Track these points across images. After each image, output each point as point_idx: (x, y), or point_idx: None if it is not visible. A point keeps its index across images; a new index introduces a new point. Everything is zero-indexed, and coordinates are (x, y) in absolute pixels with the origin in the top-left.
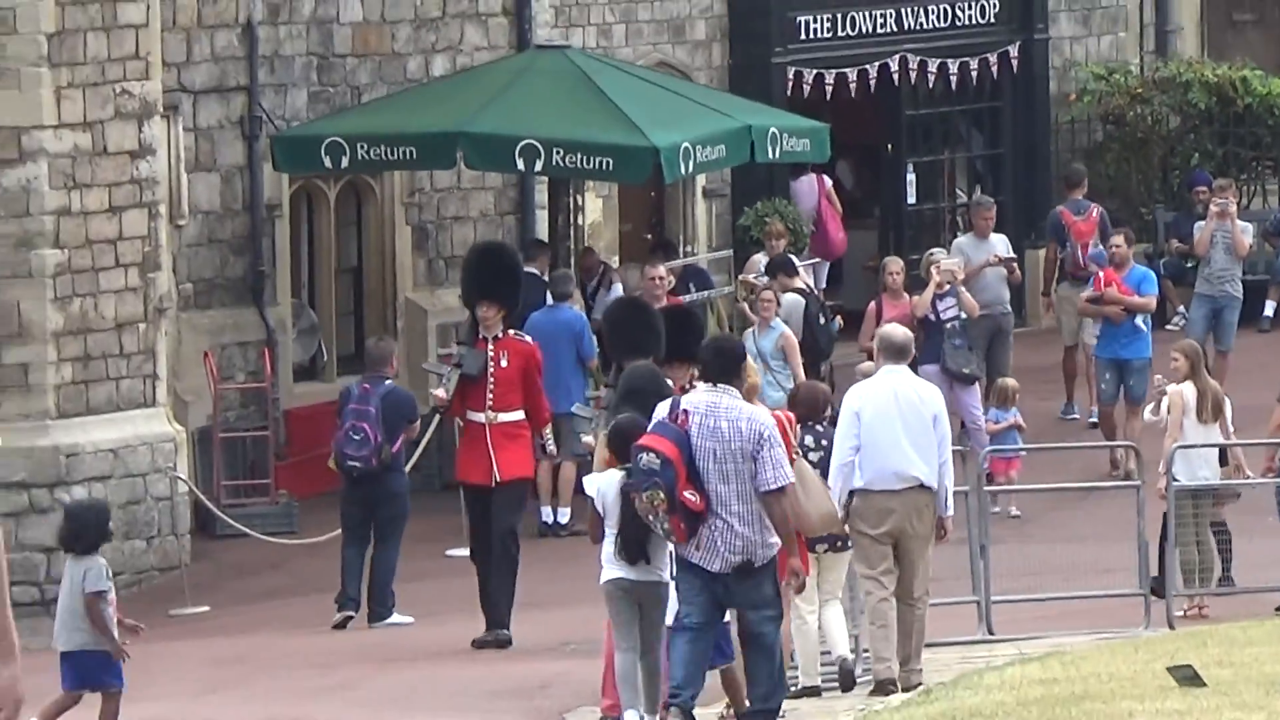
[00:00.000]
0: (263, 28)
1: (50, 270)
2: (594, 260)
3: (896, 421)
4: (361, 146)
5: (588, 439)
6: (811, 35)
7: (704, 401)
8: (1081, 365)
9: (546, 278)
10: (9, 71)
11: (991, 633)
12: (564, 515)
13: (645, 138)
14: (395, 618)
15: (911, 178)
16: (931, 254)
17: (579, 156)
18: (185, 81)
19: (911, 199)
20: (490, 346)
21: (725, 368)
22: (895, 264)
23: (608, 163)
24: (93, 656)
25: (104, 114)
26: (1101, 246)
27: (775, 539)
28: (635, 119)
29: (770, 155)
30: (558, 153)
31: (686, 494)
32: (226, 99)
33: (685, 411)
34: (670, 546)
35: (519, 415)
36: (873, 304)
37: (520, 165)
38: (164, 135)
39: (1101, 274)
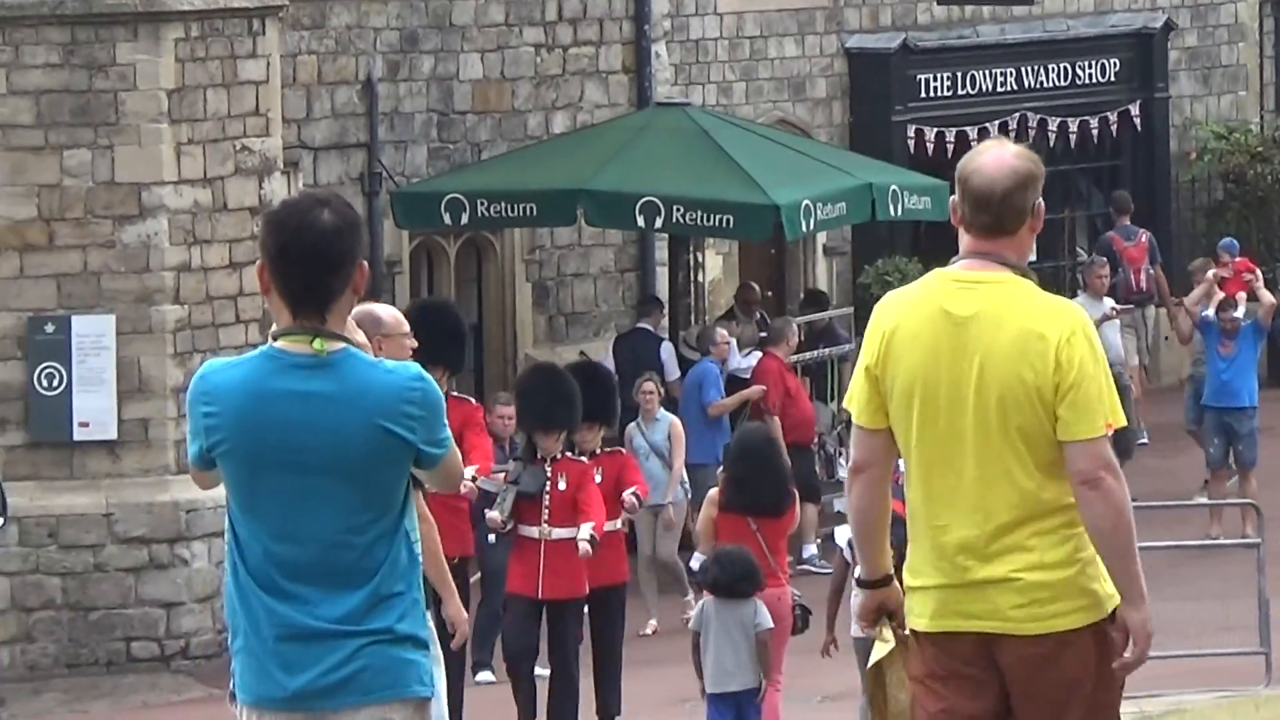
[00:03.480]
0: (383, 84)
1: (170, 326)
2: (753, 295)
3: None
4: (481, 203)
5: (493, 514)
6: (932, 94)
7: None
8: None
9: (657, 332)
10: (129, 128)
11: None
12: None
13: (766, 195)
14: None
15: None
16: None
17: (699, 214)
18: (305, 138)
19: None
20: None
21: None
22: None
23: (728, 220)
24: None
25: (224, 170)
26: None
27: None
28: (756, 176)
29: (891, 213)
30: (678, 210)
31: None
32: (346, 155)
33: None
34: None
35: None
36: None
37: (640, 222)
38: (284, 191)
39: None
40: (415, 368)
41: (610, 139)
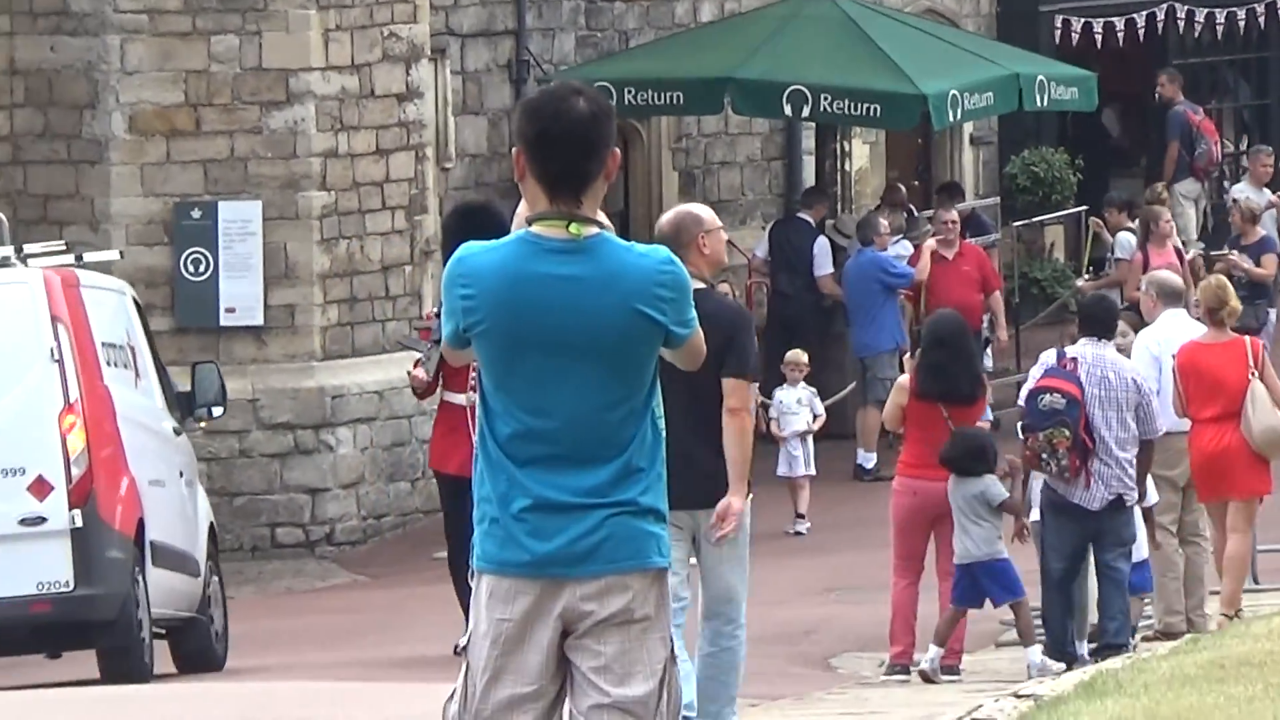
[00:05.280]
0: None
1: (317, 212)
2: (900, 196)
3: None
4: (629, 91)
5: (417, 372)
6: None
7: (1090, 353)
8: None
9: (815, 224)
10: (277, 14)
11: (1257, 582)
12: (869, 460)
13: (913, 85)
14: None
15: None
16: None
17: (846, 103)
18: (453, 25)
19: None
20: None
21: (1107, 324)
22: (1164, 213)
23: (875, 109)
24: (994, 566)
25: (371, 57)
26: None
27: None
28: (903, 66)
29: (1038, 103)
30: (825, 99)
31: (1084, 433)
32: (494, 43)
33: (1074, 360)
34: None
35: None
36: (1138, 253)
37: (788, 111)
38: (431, 78)
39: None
40: (665, 251)
41: (758, 28)
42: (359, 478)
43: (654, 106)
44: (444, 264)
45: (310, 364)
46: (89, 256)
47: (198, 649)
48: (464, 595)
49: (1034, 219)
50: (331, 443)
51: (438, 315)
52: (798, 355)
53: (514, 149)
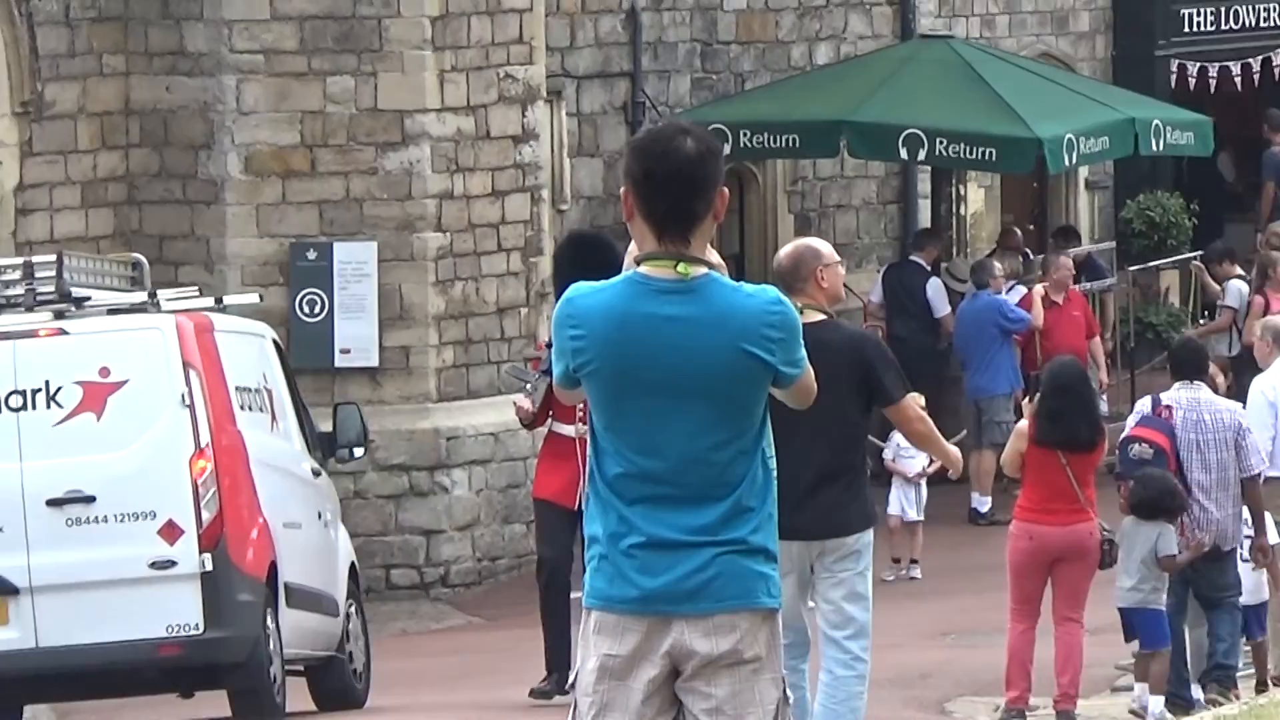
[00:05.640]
0: (646, 14)
1: (432, 254)
2: (1015, 240)
3: None
4: (744, 133)
5: (522, 401)
6: (1195, 28)
7: (1184, 397)
8: None
9: (929, 267)
10: (393, 55)
11: None
12: (984, 504)
13: (1029, 129)
14: None
15: None
16: None
17: (962, 146)
18: (569, 66)
19: None
20: None
21: (1198, 366)
22: None
23: (991, 153)
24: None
25: (487, 98)
26: None
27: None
28: (1019, 109)
29: (1154, 148)
30: (941, 142)
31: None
32: (610, 85)
33: (1168, 407)
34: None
35: None
36: (1257, 298)
37: (904, 154)
38: (547, 120)
39: None
40: (774, 291)
41: (874, 70)
42: (474, 520)
43: (769, 149)
44: (556, 295)
45: (425, 405)
46: (229, 299)
47: (337, 687)
48: (552, 627)
49: (1149, 264)
50: (446, 484)
51: (549, 346)
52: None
53: (622, 189)
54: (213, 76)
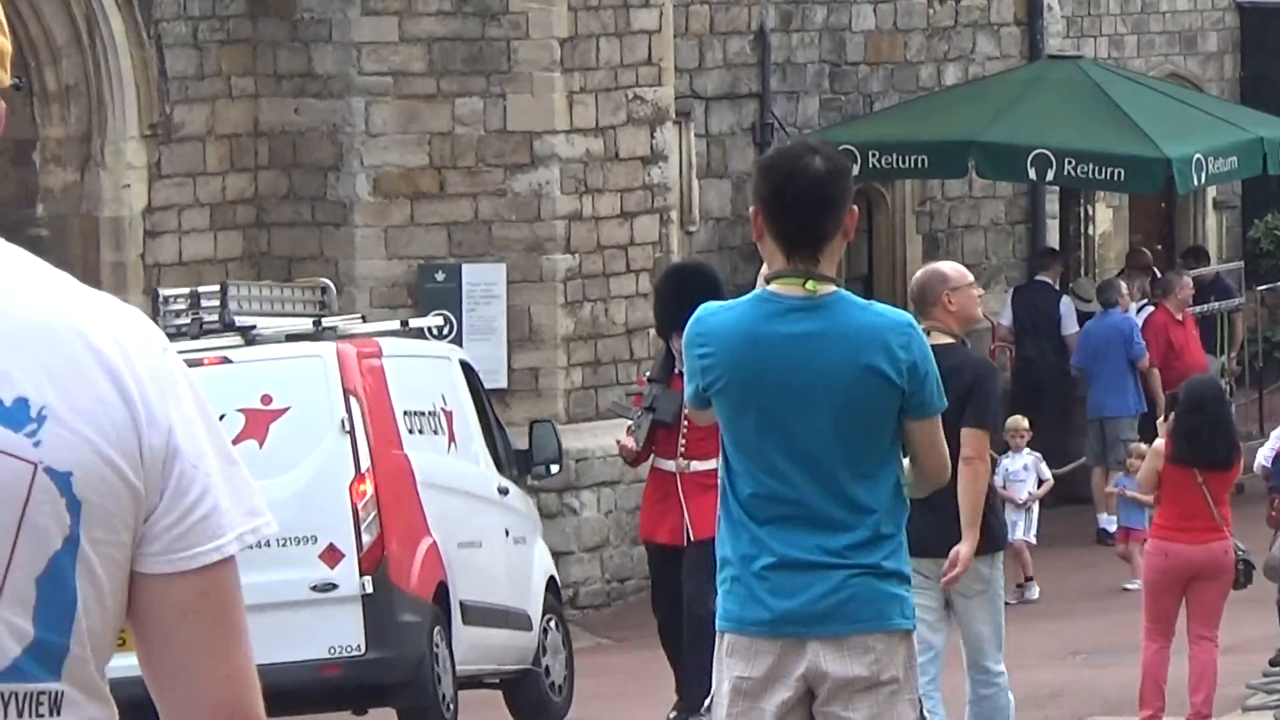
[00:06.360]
0: (775, 35)
1: (561, 275)
2: (1145, 259)
3: None
4: (873, 154)
5: (626, 441)
6: None
7: None
8: None
9: (1056, 285)
10: (521, 76)
11: None
12: (1111, 523)
13: (1158, 149)
14: None
15: None
16: None
17: (1091, 167)
18: (697, 88)
19: None
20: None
21: None
22: None
23: (1120, 173)
24: None
25: (616, 119)
26: None
27: None
28: (1147, 130)
29: None
30: (1069, 163)
31: None
32: (738, 106)
33: None
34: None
35: (713, 464)
36: None
37: (1032, 175)
38: (675, 141)
39: None
40: (907, 315)
41: (1002, 91)
42: (603, 541)
43: (898, 170)
44: (659, 329)
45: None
46: (414, 323)
47: (534, 700)
48: (679, 666)
49: (1277, 283)
50: (575, 506)
51: (650, 381)
52: (1018, 422)
53: (751, 209)
54: (341, 99)
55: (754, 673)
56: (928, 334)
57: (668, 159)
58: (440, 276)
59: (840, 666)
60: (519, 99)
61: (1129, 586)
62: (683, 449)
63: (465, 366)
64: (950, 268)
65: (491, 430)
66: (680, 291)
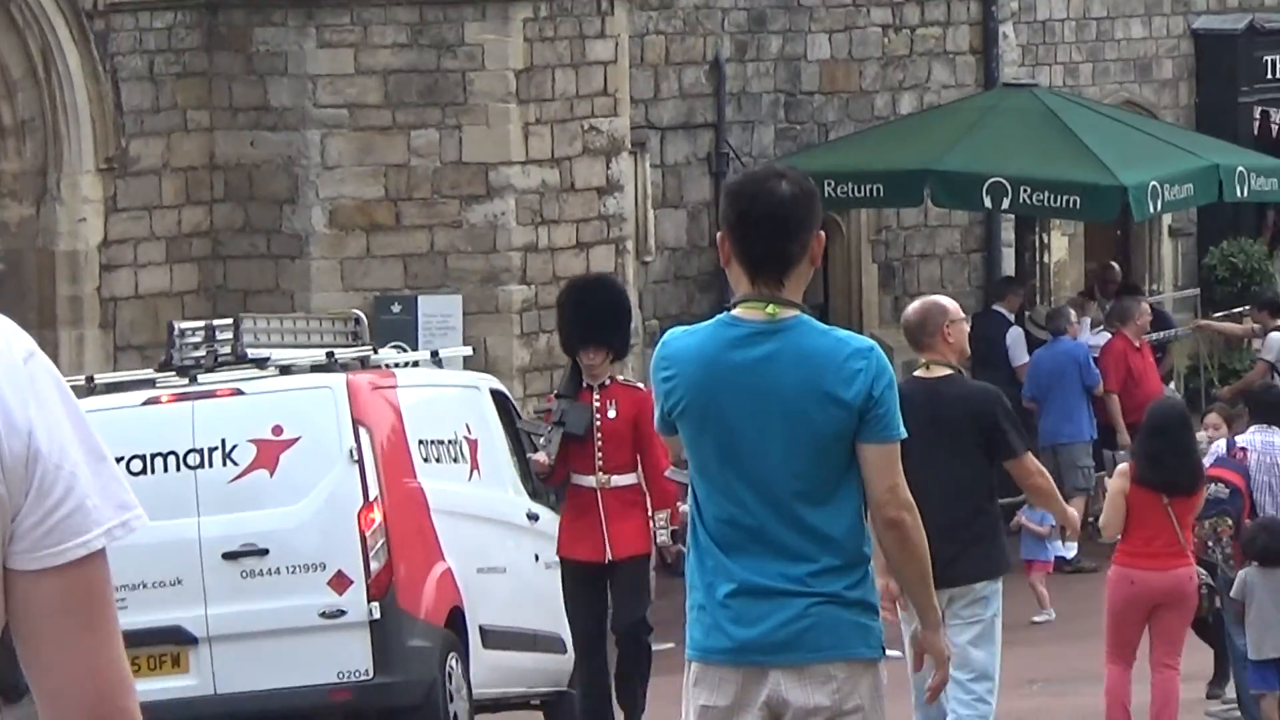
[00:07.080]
0: (730, 65)
1: (517, 306)
2: (1114, 276)
3: None
4: (829, 183)
5: (538, 456)
6: (1277, 75)
7: (1259, 440)
8: None
9: (1012, 315)
10: (477, 108)
11: None
12: (1070, 550)
13: (1114, 176)
14: None
15: None
16: None
17: (1046, 195)
18: (653, 118)
19: None
20: (596, 396)
21: (1277, 409)
22: None
23: (1075, 201)
24: None
25: (571, 150)
26: None
27: None
28: (1103, 157)
29: (1238, 194)
30: (1025, 191)
31: (1246, 521)
32: (693, 136)
33: (1243, 449)
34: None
35: (634, 478)
36: None
37: (988, 203)
38: (631, 171)
39: None
40: (868, 341)
41: (957, 120)
42: None
43: (854, 199)
44: (561, 344)
45: None
46: (445, 353)
47: None
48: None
49: (1233, 310)
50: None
51: (558, 396)
52: None
53: (719, 233)
54: (297, 131)
55: (719, 701)
56: (926, 366)
57: (623, 189)
58: (396, 308)
59: (802, 695)
60: (474, 130)
61: (1037, 620)
62: (600, 463)
63: (497, 395)
64: (947, 301)
65: (525, 457)
66: (582, 305)
